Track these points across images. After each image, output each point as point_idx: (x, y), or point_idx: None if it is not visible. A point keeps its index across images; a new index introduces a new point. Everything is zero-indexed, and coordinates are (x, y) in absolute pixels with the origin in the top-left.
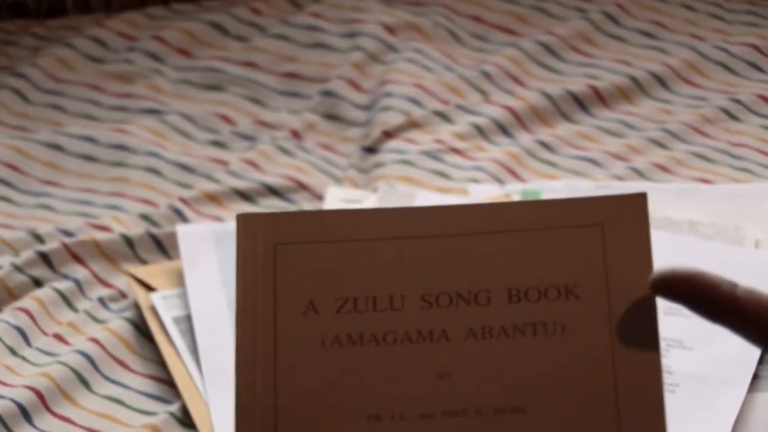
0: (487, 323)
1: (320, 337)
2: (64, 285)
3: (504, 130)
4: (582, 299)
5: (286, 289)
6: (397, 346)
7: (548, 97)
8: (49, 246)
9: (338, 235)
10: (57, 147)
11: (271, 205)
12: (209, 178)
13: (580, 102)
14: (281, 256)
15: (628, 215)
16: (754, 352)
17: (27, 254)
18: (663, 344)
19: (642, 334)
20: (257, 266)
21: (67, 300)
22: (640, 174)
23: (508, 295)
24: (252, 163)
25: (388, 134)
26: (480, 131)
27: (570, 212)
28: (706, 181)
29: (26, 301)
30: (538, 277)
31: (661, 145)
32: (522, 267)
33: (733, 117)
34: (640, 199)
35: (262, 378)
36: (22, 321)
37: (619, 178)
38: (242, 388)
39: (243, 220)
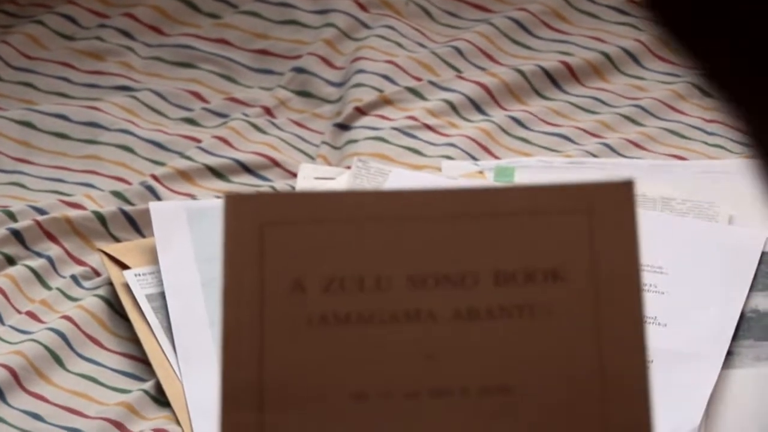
0: (474, 305)
1: (307, 316)
2: (36, 263)
3: (477, 106)
4: (568, 283)
5: (273, 269)
6: (383, 326)
7: (521, 73)
8: (22, 223)
9: (326, 215)
10: (29, 124)
11: (243, 182)
12: (181, 155)
13: (552, 78)
14: (268, 235)
15: (616, 201)
16: (729, 329)
17: None
18: None
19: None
20: (243, 245)
21: (39, 278)
22: (613, 150)
23: (495, 278)
24: (224, 140)
25: (361, 111)
26: (453, 108)
27: (558, 197)
28: (679, 158)
29: None
30: (525, 260)
31: (634, 121)
32: (509, 250)
33: (706, 93)
34: (628, 185)
35: (248, 355)
36: None
37: (592, 154)
38: (228, 364)
39: (229, 199)
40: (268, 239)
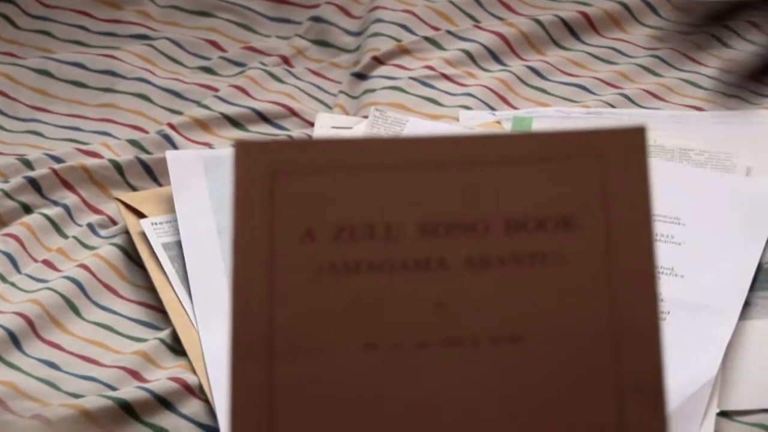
0: (485, 253)
1: (317, 264)
2: (53, 211)
3: (495, 56)
4: (580, 230)
5: (283, 217)
6: (393, 274)
7: (539, 23)
8: (38, 172)
9: (336, 164)
10: (46, 73)
11: (261, 132)
12: (198, 104)
13: (570, 28)
14: (279, 183)
15: (628, 147)
16: (746, 280)
17: (16, 180)
18: None
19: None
20: (254, 193)
21: (56, 226)
22: (630, 101)
23: (506, 225)
24: (242, 89)
25: (379, 60)
26: (471, 57)
27: (570, 144)
28: (697, 108)
29: (15, 227)
30: (537, 207)
31: (651, 71)
32: (520, 197)
33: (724, 44)
34: (640, 131)
35: (258, 305)
36: (11, 247)
37: (610, 104)
38: (238, 314)
39: (240, 146)
40: (279, 187)
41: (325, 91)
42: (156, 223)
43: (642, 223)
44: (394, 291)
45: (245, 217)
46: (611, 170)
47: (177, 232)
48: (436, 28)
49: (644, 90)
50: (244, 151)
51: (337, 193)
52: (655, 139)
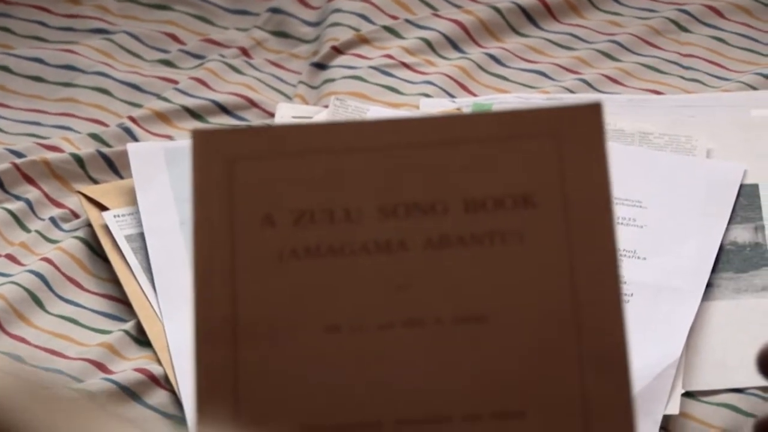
0: (445, 233)
1: (277, 250)
2: (15, 206)
3: (453, 44)
4: (539, 209)
5: (243, 204)
6: (354, 257)
7: (497, 10)
8: (0, 167)
9: (293, 149)
10: (5, 68)
11: (221, 123)
12: (158, 96)
13: (528, 15)
14: (237, 170)
15: (584, 125)
16: (708, 261)
17: None
18: None
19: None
20: (212, 181)
21: (18, 220)
22: (590, 86)
23: (465, 205)
24: (201, 81)
25: (338, 50)
26: (429, 45)
27: (526, 123)
28: (656, 92)
29: None
30: (495, 187)
31: (610, 56)
32: (478, 177)
33: (682, 28)
34: (596, 107)
35: (220, 292)
36: None
37: (569, 90)
38: (200, 300)
39: (197, 135)
40: (237, 174)
41: (285, 82)
42: (118, 216)
43: (601, 199)
44: (355, 273)
45: (204, 205)
46: (568, 147)
47: (140, 224)
48: (395, 17)
49: (603, 75)
50: (201, 140)
51: (294, 179)
52: (615, 123)
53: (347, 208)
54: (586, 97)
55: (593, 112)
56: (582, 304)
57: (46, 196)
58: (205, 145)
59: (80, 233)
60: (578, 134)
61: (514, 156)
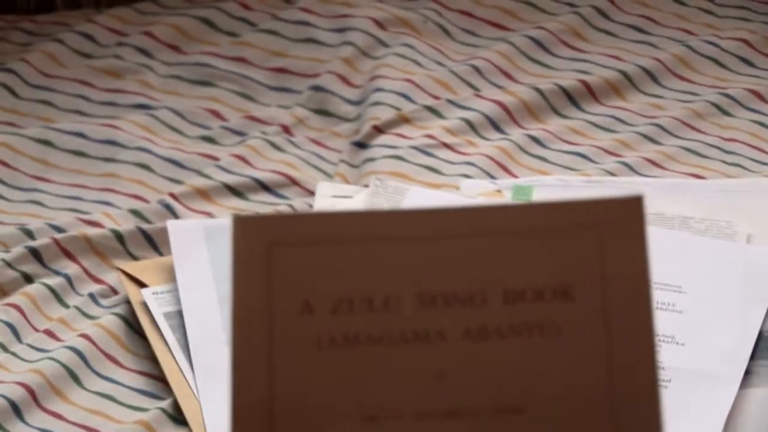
0: (483, 324)
1: (316, 337)
2: (54, 281)
3: (495, 125)
4: (578, 301)
5: (282, 290)
6: (393, 346)
7: (539, 91)
8: (40, 242)
9: (334, 236)
10: (47, 142)
11: (261, 200)
12: (199, 173)
13: (570, 97)
14: (276, 256)
15: (625, 217)
16: (747, 348)
17: (17, 250)
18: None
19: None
20: (252, 267)
21: (57, 296)
22: (631, 169)
23: (504, 296)
24: (242, 159)
25: (379, 129)
26: (471, 126)
27: (567, 214)
28: (697, 176)
29: (16, 297)
30: (534, 278)
31: (652, 140)
32: (518, 268)
33: (724, 112)
34: (637, 200)
35: (258, 378)
36: (13, 317)
37: (610, 173)
38: (238, 388)
39: (238, 221)
40: (277, 260)
41: (326, 160)
42: (157, 293)
43: (640, 291)
44: (393, 363)
45: (244, 290)
46: (608, 240)
47: (178, 301)
48: (437, 97)
49: (644, 158)
50: (242, 226)
51: (334, 266)
52: (655, 207)
53: (386, 297)
54: (626, 181)
55: (635, 204)
56: (618, 394)
57: (86, 271)
58: (246, 231)
59: (119, 310)
60: (619, 227)
61: (554, 247)
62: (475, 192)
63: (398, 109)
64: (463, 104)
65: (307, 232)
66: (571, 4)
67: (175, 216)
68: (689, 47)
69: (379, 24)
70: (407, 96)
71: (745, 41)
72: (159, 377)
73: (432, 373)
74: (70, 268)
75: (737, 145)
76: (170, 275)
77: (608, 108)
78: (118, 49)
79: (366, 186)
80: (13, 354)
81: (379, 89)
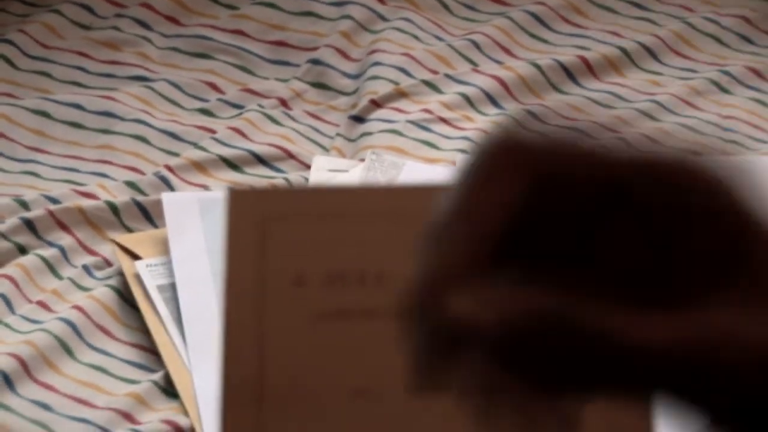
0: None
1: (308, 311)
2: (48, 252)
3: (493, 100)
4: None
5: (275, 263)
6: (385, 321)
7: (537, 67)
8: (34, 213)
9: (328, 211)
10: (44, 114)
11: (257, 174)
12: (196, 145)
13: (569, 73)
14: (270, 230)
15: None
16: None
17: (12, 221)
18: None
19: None
20: (245, 240)
21: (51, 267)
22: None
23: None
24: (239, 132)
25: (376, 103)
26: (468, 101)
27: None
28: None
29: (10, 268)
30: None
31: (650, 116)
32: None
33: (723, 89)
34: None
35: (248, 351)
36: (6, 288)
37: None
38: (228, 361)
39: (232, 194)
40: (270, 234)
41: (323, 134)
42: (151, 265)
43: None
44: (385, 337)
45: (236, 264)
46: None
47: (172, 274)
48: (435, 72)
49: (642, 135)
50: (236, 198)
51: (328, 240)
52: None
53: (380, 272)
54: None
55: None
56: None
57: (80, 243)
58: (240, 204)
59: (112, 282)
60: None
61: None
62: None
63: (396, 83)
64: (462, 79)
65: (302, 206)
66: None
67: (171, 188)
68: (689, 24)
69: None
70: (405, 70)
71: (745, 18)
72: (151, 350)
73: None
74: (65, 240)
75: (736, 122)
76: (164, 248)
77: (607, 84)
78: (117, 21)
79: (362, 160)
80: (6, 325)
81: (377, 63)
